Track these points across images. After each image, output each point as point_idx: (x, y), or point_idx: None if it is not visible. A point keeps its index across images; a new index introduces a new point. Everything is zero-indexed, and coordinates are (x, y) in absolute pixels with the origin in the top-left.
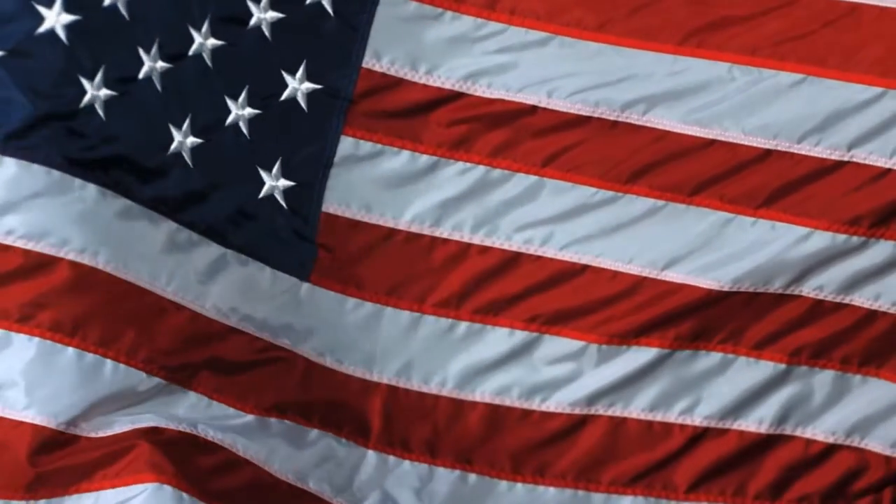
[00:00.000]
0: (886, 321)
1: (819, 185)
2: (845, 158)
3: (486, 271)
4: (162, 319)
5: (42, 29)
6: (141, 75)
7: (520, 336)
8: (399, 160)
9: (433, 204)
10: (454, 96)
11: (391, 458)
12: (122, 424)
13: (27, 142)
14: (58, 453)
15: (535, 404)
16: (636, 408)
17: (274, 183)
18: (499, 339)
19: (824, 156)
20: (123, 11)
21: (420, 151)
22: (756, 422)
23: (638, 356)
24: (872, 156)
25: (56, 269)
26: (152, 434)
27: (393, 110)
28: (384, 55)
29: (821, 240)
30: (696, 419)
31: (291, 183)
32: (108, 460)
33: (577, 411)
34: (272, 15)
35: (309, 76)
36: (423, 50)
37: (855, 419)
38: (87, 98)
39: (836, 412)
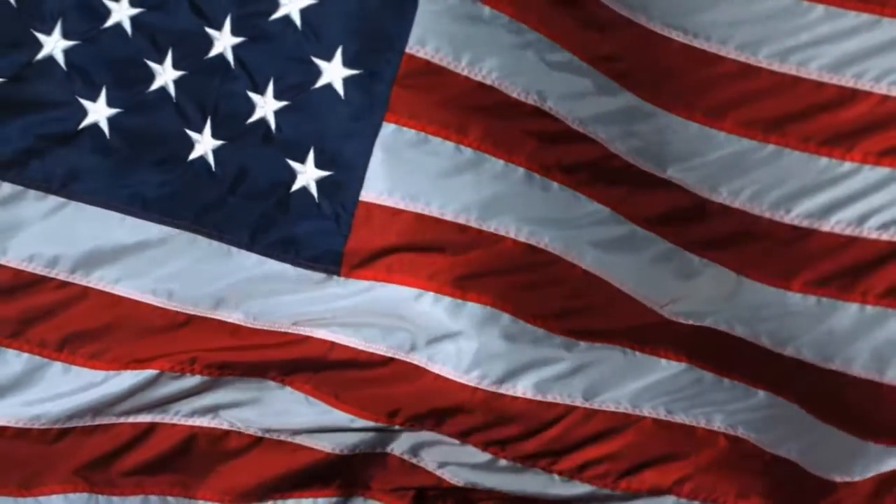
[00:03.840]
0: None
1: None
2: None
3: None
4: None
5: (41, 55)
6: (154, 87)
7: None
8: (443, 150)
9: (479, 198)
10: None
11: None
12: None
13: (26, 168)
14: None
15: None
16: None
17: (307, 175)
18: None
19: None
20: (127, 28)
21: (465, 144)
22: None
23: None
24: None
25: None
26: None
27: (437, 99)
28: (429, 42)
29: None
30: (714, 425)
31: (327, 173)
32: None
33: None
34: (302, 2)
35: (346, 62)
36: (467, 41)
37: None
38: (87, 119)
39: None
